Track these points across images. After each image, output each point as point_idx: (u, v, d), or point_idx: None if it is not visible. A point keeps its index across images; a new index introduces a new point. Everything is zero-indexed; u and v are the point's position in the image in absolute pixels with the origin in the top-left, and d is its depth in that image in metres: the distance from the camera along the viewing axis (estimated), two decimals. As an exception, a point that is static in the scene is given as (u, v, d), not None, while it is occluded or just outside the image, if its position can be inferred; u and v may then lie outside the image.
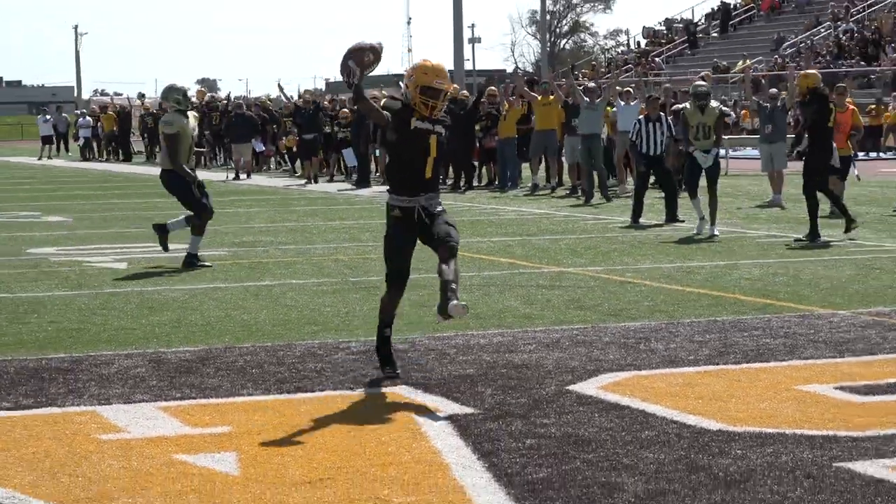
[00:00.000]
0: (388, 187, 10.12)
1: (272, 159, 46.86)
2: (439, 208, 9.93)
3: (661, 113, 24.06)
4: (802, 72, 21.24)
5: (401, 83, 10.50)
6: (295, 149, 42.14)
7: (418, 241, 9.99)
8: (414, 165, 9.82)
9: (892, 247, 18.42)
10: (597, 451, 7.78)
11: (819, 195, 19.39)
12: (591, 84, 33.66)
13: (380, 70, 10.11)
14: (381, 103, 10.09)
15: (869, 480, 7.11)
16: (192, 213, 17.37)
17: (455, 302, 9.45)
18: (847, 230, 19.35)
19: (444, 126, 10.00)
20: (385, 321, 10.08)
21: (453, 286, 9.55)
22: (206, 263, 17.04)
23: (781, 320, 12.32)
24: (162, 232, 17.56)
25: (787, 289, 14.38)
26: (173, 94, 17.51)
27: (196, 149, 17.91)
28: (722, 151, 35.73)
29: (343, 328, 12.21)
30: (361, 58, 9.83)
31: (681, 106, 23.18)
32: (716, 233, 20.27)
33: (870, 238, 19.42)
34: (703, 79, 24.41)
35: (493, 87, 34.98)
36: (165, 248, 17.63)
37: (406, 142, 9.80)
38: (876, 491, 6.92)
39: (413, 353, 10.83)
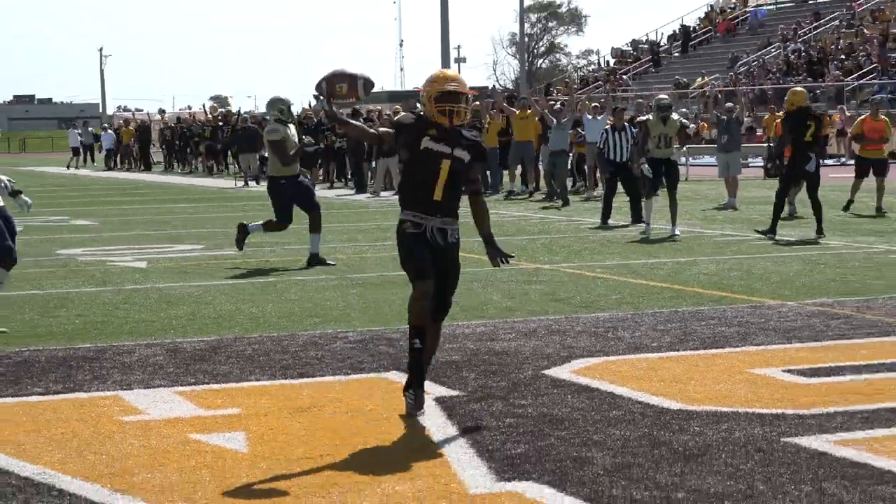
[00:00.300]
0: (400, 202, 8.48)
1: None
2: (454, 238, 8.37)
3: (626, 123, 24.15)
4: (792, 88, 21.32)
5: (418, 101, 9.51)
6: None
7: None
8: (423, 187, 8.21)
9: (835, 244, 18.46)
10: (569, 428, 7.79)
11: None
12: (558, 105, 33.77)
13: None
14: (396, 118, 8.60)
15: (813, 453, 7.13)
16: (272, 220, 17.40)
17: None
18: (818, 232, 19.45)
19: (471, 148, 8.34)
20: (417, 327, 8.28)
21: (420, 388, 8.31)
22: (331, 262, 16.96)
23: (735, 311, 12.34)
24: (243, 233, 17.33)
25: (740, 282, 14.40)
26: (277, 105, 17.23)
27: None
28: (683, 159, 35.79)
29: (341, 319, 12.21)
30: (333, 85, 8.44)
31: (643, 117, 23.23)
32: (677, 232, 20.26)
33: (814, 238, 19.45)
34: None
35: (476, 102, 34.99)
36: (240, 248, 17.45)
37: (415, 161, 8.25)
38: (819, 463, 6.94)
39: (403, 342, 10.80)
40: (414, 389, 8.24)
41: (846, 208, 24.18)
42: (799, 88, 21.42)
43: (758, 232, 19.60)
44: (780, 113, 26.36)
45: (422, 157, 8.20)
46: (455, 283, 8.58)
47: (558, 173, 29.43)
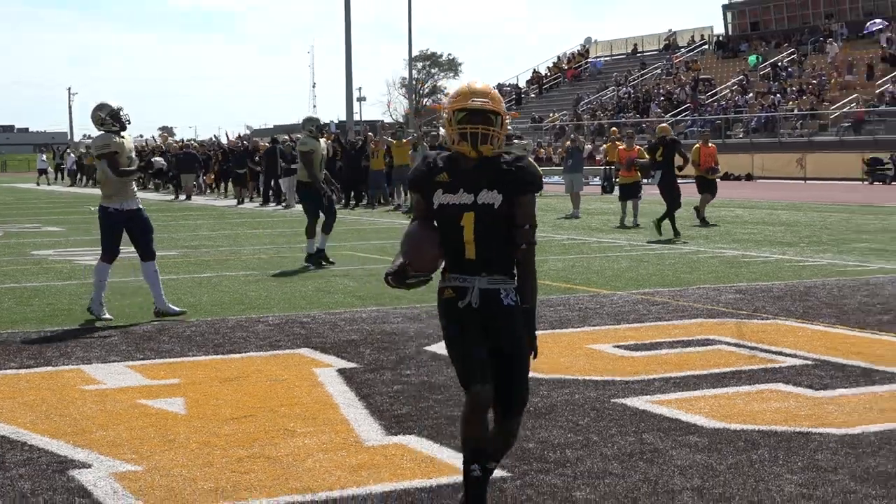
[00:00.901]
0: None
1: (208, 186, 45.82)
2: (509, 301, 5.11)
3: None
4: (662, 125, 22.82)
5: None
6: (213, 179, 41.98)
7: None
8: (453, 245, 5.19)
9: (657, 247, 18.70)
10: (444, 393, 7.82)
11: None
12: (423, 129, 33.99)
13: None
14: (410, 174, 5.33)
15: (636, 411, 7.23)
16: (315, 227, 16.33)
17: None
18: (656, 231, 20.19)
19: (505, 181, 5.08)
20: (471, 450, 5.02)
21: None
22: (332, 261, 16.08)
23: (577, 299, 12.45)
24: (314, 259, 16.03)
25: (581, 276, 14.53)
26: (310, 123, 16.65)
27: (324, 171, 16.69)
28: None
29: (263, 307, 12.13)
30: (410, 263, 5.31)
31: None
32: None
33: (640, 241, 19.69)
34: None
35: (371, 133, 35.06)
36: (328, 261, 16.09)
37: (437, 220, 5.22)
38: (640, 418, 7.04)
39: (313, 325, 10.79)
40: None
41: (704, 223, 23.11)
42: (664, 124, 22.48)
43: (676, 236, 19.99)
44: (620, 142, 26.64)
45: (437, 215, 5.21)
46: (521, 366, 5.12)
47: None
